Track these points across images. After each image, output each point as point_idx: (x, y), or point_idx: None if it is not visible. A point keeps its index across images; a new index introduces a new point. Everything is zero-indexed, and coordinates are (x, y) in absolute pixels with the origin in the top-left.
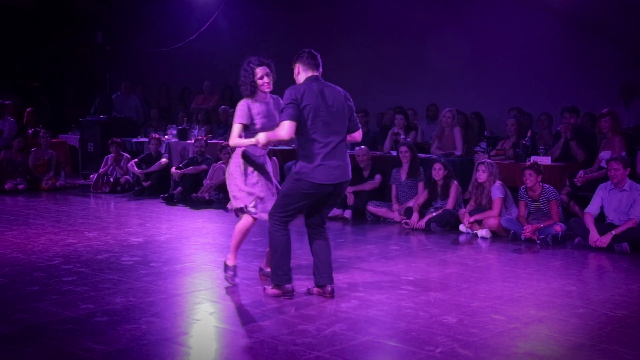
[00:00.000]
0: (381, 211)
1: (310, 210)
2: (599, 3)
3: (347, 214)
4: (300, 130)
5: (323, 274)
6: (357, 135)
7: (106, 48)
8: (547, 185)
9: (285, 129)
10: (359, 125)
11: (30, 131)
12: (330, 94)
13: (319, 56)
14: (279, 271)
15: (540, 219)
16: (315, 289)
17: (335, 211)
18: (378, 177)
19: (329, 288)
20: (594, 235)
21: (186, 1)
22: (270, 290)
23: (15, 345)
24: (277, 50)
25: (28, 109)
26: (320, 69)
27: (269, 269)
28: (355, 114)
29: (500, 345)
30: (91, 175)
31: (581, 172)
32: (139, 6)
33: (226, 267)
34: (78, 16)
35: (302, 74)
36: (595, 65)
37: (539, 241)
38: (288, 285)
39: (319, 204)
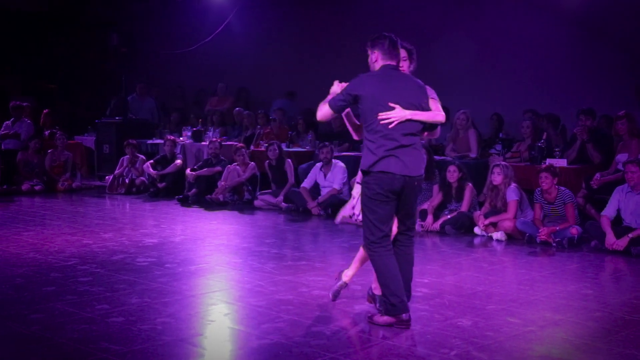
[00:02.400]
0: None
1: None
2: (613, 5)
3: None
4: (365, 122)
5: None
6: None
7: (121, 50)
8: (563, 188)
9: (322, 110)
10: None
11: (46, 133)
12: (404, 86)
13: (399, 43)
14: (393, 298)
15: (556, 221)
16: None
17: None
18: None
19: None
20: (610, 238)
21: (201, 3)
22: (380, 318)
23: (31, 345)
24: (290, 52)
25: (44, 111)
26: (399, 57)
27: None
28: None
29: (515, 349)
30: (107, 177)
31: (597, 175)
32: (154, 8)
33: (373, 298)
34: (93, 19)
35: (379, 61)
36: (610, 67)
37: (554, 244)
38: (405, 315)
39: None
